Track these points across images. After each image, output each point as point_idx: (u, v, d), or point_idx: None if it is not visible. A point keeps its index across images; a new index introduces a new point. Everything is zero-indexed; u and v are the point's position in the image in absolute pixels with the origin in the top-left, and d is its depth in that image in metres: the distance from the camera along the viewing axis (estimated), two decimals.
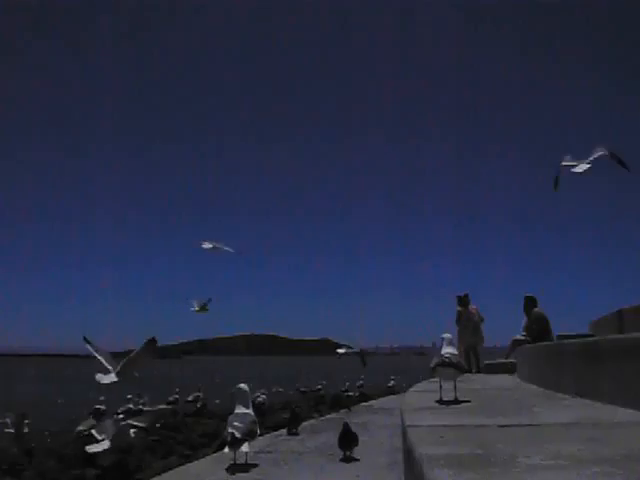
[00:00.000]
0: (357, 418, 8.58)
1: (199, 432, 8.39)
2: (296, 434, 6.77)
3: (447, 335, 4.04)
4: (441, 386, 3.74)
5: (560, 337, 6.84)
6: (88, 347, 6.11)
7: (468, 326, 10.32)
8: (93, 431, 6.06)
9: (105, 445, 5.68)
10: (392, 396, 13.49)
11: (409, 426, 2.62)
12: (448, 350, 3.80)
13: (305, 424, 7.81)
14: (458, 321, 10.43)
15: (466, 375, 7.85)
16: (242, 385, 5.17)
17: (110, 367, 5.80)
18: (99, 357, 5.96)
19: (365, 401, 12.86)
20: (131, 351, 5.73)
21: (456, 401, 3.59)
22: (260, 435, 5.52)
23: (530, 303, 8.41)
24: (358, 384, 17.34)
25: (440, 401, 3.65)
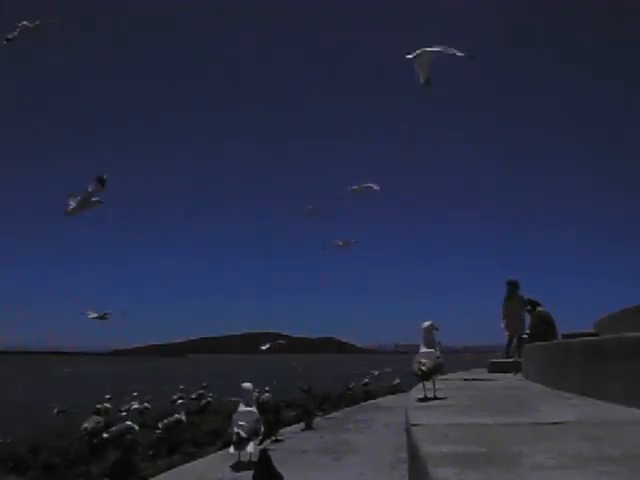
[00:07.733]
0: (362, 415, 8.60)
1: (204, 430, 8.40)
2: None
3: (426, 324, 3.95)
4: (424, 385, 3.83)
5: (565, 336, 6.81)
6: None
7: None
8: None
9: None
10: (396, 394, 13.48)
11: (413, 424, 2.61)
12: (424, 350, 3.80)
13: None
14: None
15: (471, 375, 7.86)
16: (246, 384, 5.19)
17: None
18: None
19: (372, 399, 12.92)
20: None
21: (459, 400, 3.59)
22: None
23: (533, 304, 8.39)
24: (363, 382, 17.30)
25: (425, 399, 3.70)
